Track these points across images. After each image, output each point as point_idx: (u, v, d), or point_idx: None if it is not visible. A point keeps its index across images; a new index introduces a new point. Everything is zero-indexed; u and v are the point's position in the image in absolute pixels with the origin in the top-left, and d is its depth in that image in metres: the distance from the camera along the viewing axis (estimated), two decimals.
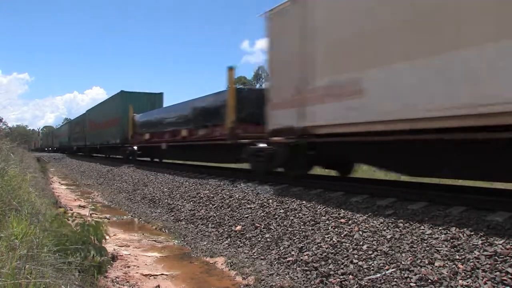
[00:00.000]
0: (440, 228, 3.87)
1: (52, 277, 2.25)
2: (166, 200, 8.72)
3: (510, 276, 2.95)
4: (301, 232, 4.89)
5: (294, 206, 5.71)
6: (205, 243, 5.66)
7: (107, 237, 3.82)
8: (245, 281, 4.08)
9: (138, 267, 4.57)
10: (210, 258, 4.98)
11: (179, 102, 14.15)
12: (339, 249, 4.16)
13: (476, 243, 3.45)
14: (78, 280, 2.77)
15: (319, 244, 4.42)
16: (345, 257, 3.99)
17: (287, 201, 5.99)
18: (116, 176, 14.27)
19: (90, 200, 10.34)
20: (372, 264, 3.71)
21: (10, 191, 4.06)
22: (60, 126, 52.02)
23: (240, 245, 5.32)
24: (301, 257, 4.32)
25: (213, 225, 6.39)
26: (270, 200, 6.28)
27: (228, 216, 6.40)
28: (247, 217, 6.05)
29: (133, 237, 6.16)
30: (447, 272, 3.22)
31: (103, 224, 3.67)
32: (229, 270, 4.47)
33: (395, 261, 3.61)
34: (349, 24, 5.64)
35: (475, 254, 3.32)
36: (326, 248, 4.27)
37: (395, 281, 3.36)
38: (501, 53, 3.87)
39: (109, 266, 3.63)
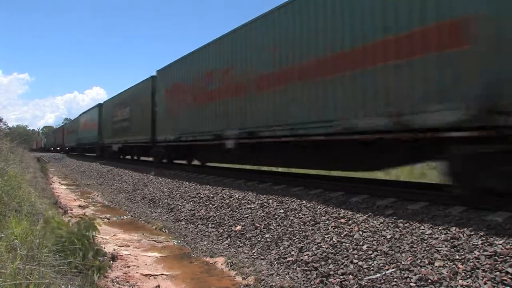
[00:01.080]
0: (440, 228, 3.88)
1: (52, 278, 2.25)
2: (166, 200, 8.72)
3: (510, 276, 2.95)
4: (301, 232, 4.89)
5: (294, 206, 5.71)
6: (205, 243, 5.66)
7: (105, 237, 3.82)
8: (245, 281, 4.08)
9: (138, 267, 4.56)
10: (210, 258, 4.97)
11: None
12: (339, 249, 4.16)
13: (476, 243, 3.45)
14: (78, 280, 2.77)
15: (319, 244, 4.42)
16: (345, 257, 3.99)
17: (287, 201, 5.99)
18: (116, 176, 14.27)
19: (90, 200, 10.34)
20: (372, 264, 3.71)
21: (10, 191, 4.06)
22: (79, 115, 31.02)
23: (240, 245, 5.32)
24: (301, 257, 4.32)
25: (213, 225, 6.39)
26: (270, 200, 6.28)
27: (228, 216, 6.40)
28: (247, 217, 6.05)
29: (133, 237, 6.16)
30: (447, 272, 3.22)
31: (95, 223, 3.64)
32: (229, 270, 4.47)
33: (395, 261, 3.61)
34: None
35: (475, 254, 3.32)
36: (326, 248, 4.27)
37: (395, 281, 3.36)
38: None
39: (108, 267, 3.61)
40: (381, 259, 3.72)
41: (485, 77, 4.22)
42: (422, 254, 3.56)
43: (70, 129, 35.44)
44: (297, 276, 4.03)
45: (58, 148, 43.08)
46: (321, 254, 4.21)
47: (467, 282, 3.05)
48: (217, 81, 9.55)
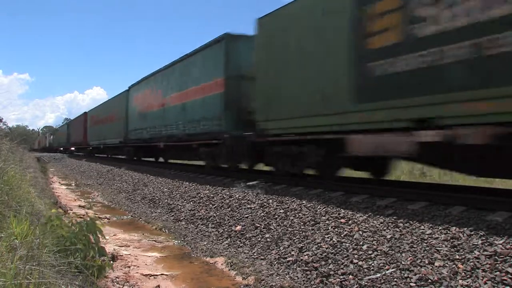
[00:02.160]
0: (440, 228, 3.87)
1: (53, 278, 2.25)
2: (166, 200, 8.72)
3: (510, 276, 2.95)
4: (301, 232, 4.89)
5: (294, 206, 5.71)
6: (205, 243, 5.66)
7: (106, 237, 3.81)
8: (245, 281, 4.08)
9: (138, 267, 4.57)
10: (210, 258, 4.98)
11: None
12: (339, 249, 4.16)
13: (476, 243, 3.45)
14: (78, 280, 2.77)
15: (319, 244, 4.42)
16: (345, 257, 3.99)
17: (287, 201, 5.99)
18: (116, 176, 14.27)
19: (90, 200, 10.34)
20: (372, 264, 3.71)
21: (10, 191, 4.06)
22: (129, 87, 16.90)
23: (240, 245, 5.32)
24: (301, 257, 4.32)
25: (213, 225, 6.39)
26: (270, 200, 6.28)
27: (228, 216, 6.40)
28: (247, 217, 6.05)
29: (133, 237, 6.16)
30: (447, 272, 3.22)
31: (98, 223, 3.63)
32: (229, 270, 4.47)
33: (395, 261, 3.61)
34: None
35: (475, 254, 3.32)
36: (326, 248, 4.27)
37: (395, 281, 3.36)
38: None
39: (109, 268, 3.61)
40: (381, 259, 3.72)
41: None
42: (422, 254, 3.55)
43: (100, 116, 21.25)
44: (297, 276, 4.03)
45: (73, 148, 30.52)
46: (321, 254, 4.21)
47: (467, 282, 3.05)
48: None
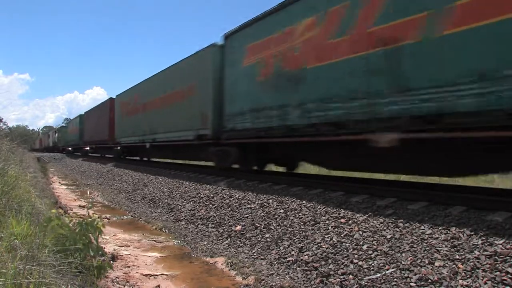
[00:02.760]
0: (440, 228, 3.88)
1: (53, 278, 2.25)
2: (166, 200, 8.72)
3: (510, 276, 2.95)
4: (301, 232, 4.89)
5: (294, 206, 5.72)
6: (205, 243, 5.66)
7: (106, 237, 3.81)
8: (245, 281, 4.08)
9: (138, 267, 4.57)
10: (210, 258, 4.98)
11: None
12: (339, 249, 4.16)
13: (476, 243, 3.45)
14: (78, 280, 2.78)
15: (319, 244, 4.42)
16: (345, 257, 3.99)
17: (287, 201, 6.00)
18: (116, 176, 14.27)
19: (90, 200, 10.34)
20: (372, 264, 3.71)
21: (10, 191, 4.06)
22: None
23: (240, 245, 5.32)
24: (301, 257, 4.32)
25: (213, 225, 6.39)
26: (270, 200, 6.28)
27: (228, 216, 6.40)
28: (247, 217, 6.05)
29: (133, 237, 6.16)
30: (447, 272, 3.22)
31: (98, 222, 3.62)
32: (229, 270, 4.47)
33: (395, 261, 3.61)
34: None
35: (475, 254, 3.32)
36: (326, 248, 4.27)
37: (395, 281, 3.37)
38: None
39: (109, 268, 3.61)
40: (381, 259, 3.72)
41: None
42: (422, 254, 3.56)
43: (146, 98, 14.32)
44: (297, 276, 4.03)
45: (88, 148, 24.14)
46: (321, 254, 4.21)
47: (467, 282, 3.05)
48: None
